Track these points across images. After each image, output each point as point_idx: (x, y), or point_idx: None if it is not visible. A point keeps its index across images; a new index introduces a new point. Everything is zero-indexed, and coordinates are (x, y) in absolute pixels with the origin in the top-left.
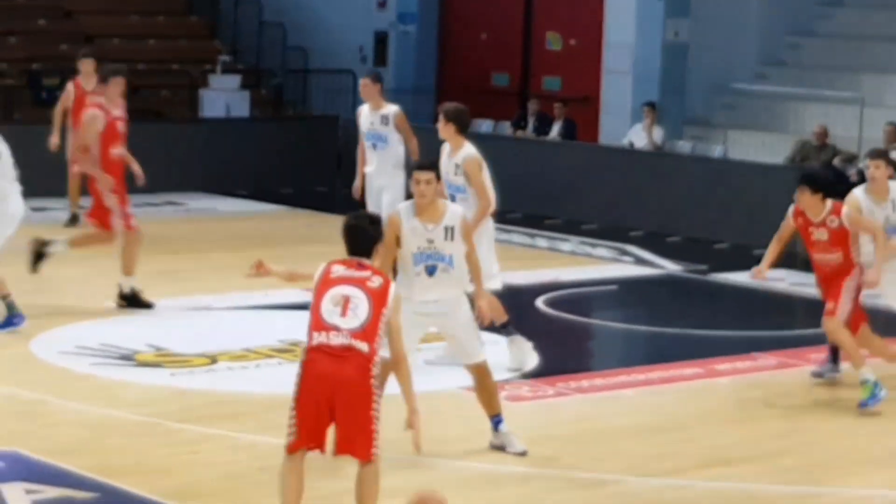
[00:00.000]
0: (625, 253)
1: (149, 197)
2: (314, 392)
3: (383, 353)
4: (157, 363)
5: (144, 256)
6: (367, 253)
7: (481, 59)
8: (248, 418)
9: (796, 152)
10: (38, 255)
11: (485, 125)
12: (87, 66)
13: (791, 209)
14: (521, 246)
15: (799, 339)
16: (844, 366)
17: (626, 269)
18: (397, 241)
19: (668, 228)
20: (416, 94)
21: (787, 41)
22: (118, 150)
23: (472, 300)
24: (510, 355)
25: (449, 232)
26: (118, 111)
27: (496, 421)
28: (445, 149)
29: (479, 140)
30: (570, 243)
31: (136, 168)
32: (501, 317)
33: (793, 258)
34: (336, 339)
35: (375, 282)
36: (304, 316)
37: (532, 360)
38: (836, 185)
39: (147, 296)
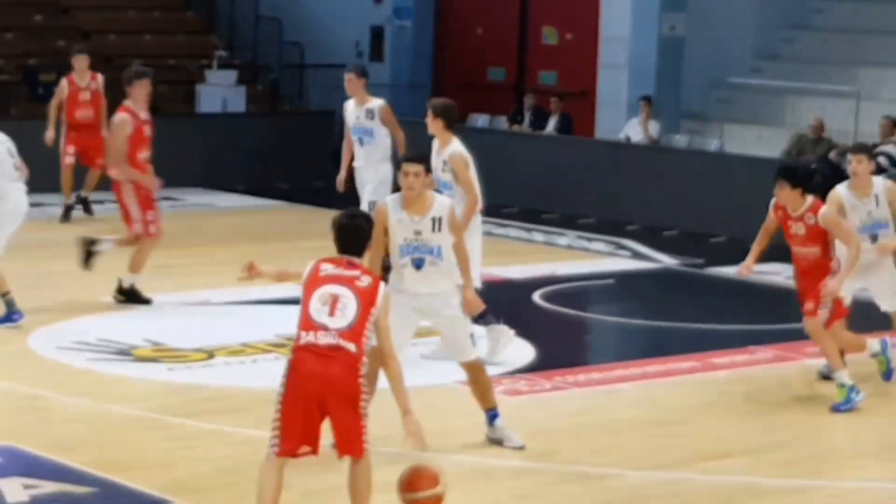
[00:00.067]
0: (621, 247)
1: None
2: (301, 391)
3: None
4: (154, 358)
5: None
6: (358, 252)
7: (477, 53)
8: (245, 413)
9: (792, 146)
10: (88, 253)
11: (481, 120)
12: (80, 62)
13: (772, 202)
14: (518, 240)
15: (796, 333)
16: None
17: (623, 264)
18: (385, 233)
19: (664, 222)
20: (412, 88)
21: (783, 35)
22: (145, 155)
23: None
24: (488, 345)
25: (436, 223)
26: (144, 114)
27: (491, 415)
28: (435, 144)
29: (476, 135)
30: (566, 237)
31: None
32: (480, 307)
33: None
34: (324, 339)
35: (364, 281)
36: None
37: (511, 349)
38: (816, 177)
39: (144, 291)
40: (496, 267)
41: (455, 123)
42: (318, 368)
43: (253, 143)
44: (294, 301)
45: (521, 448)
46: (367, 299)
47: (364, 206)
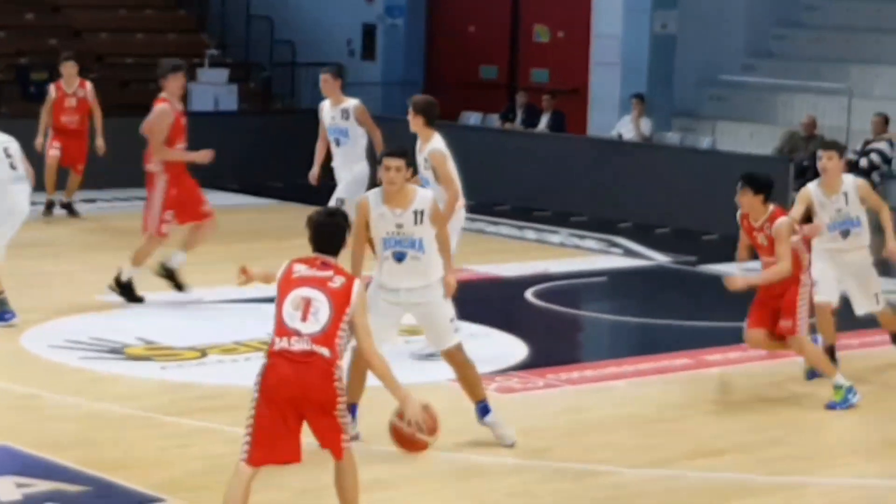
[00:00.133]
0: (613, 244)
1: (138, 191)
2: (275, 397)
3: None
4: (147, 357)
5: (132, 250)
6: (334, 251)
7: (469, 51)
8: (238, 411)
9: (784, 143)
10: (170, 276)
11: (473, 118)
12: (68, 68)
13: (739, 213)
14: (510, 238)
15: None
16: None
17: (615, 261)
18: (367, 227)
19: (656, 220)
20: (405, 87)
21: (775, 32)
22: (182, 145)
23: None
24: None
25: (418, 216)
26: (179, 105)
27: (481, 407)
28: (418, 142)
29: (468, 132)
30: (559, 235)
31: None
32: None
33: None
34: (297, 345)
35: (337, 282)
36: None
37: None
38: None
39: (137, 289)
40: (489, 265)
41: (435, 120)
42: (293, 375)
43: (245, 142)
44: None
45: (511, 446)
46: (339, 301)
47: (332, 203)
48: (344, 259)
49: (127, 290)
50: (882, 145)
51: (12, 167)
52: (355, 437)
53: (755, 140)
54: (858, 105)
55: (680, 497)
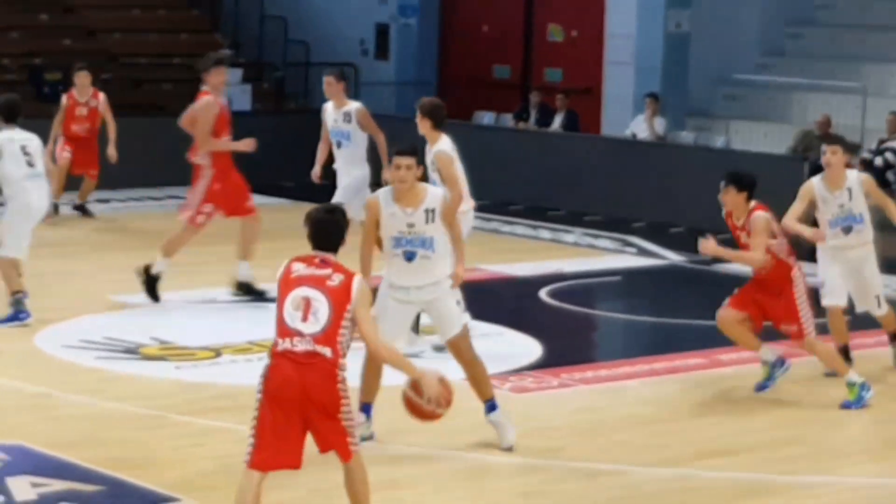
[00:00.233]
0: (628, 244)
1: (151, 191)
2: (279, 398)
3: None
4: (161, 356)
5: (147, 250)
6: (334, 248)
7: (483, 51)
8: (252, 411)
9: (799, 142)
10: (248, 289)
11: (487, 117)
12: (82, 78)
13: (724, 212)
14: (524, 237)
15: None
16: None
17: (630, 260)
18: (377, 227)
19: (670, 219)
20: (418, 86)
21: (789, 31)
22: (228, 137)
23: None
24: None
25: (430, 214)
26: (222, 98)
27: (489, 406)
28: (427, 144)
29: (481, 132)
30: (573, 234)
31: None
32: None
33: (798, 248)
34: (300, 346)
35: (336, 280)
36: None
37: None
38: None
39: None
40: (503, 264)
41: (443, 122)
42: (296, 376)
43: (259, 142)
44: None
45: (508, 449)
46: (339, 299)
47: None
48: (345, 258)
49: (151, 284)
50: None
51: (29, 164)
52: (370, 437)
53: (769, 139)
54: (873, 104)
55: (694, 497)
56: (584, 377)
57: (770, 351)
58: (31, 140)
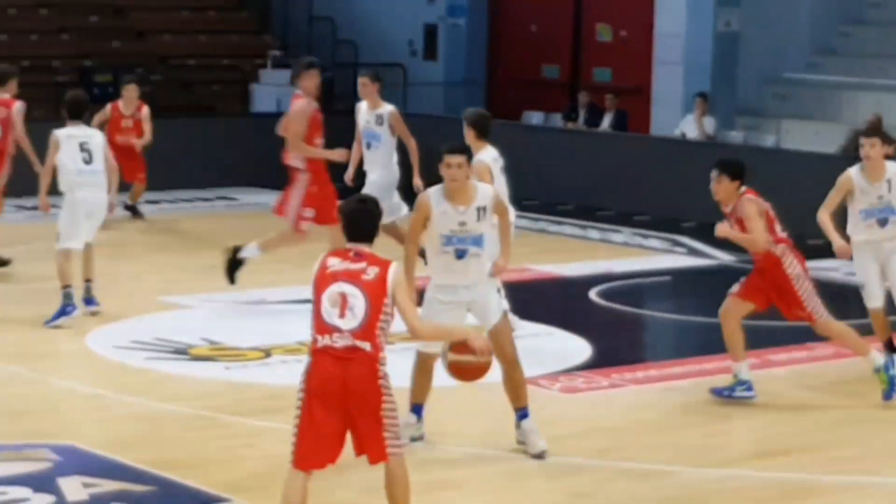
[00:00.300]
0: (677, 244)
1: (200, 192)
2: (321, 394)
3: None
4: (211, 357)
5: (196, 251)
6: (369, 237)
7: (531, 51)
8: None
9: (850, 141)
10: (232, 263)
11: (536, 117)
12: (129, 91)
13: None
14: (573, 238)
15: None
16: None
17: (679, 260)
18: (423, 225)
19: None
20: (467, 86)
21: (839, 29)
22: (320, 141)
23: None
24: None
25: (481, 212)
26: (315, 103)
27: (521, 415)
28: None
29: (530, 132)
30: (622, 234)
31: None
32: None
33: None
34: (340, 341)
35: (371, 273)
36: None
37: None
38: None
39: (199, 290)
40: (552, 264)
41: (486, 133)
42: (337, 371)
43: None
44: None
45: (541, 456)
46: (375, 293)
47: None
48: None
49: (233, 265)
50: None
51: (85, 161)
52: (419, 438)
53: (820, 138)
54: None
55: (745, 497)
56: (635, 377)
57: (745, 369)
58: (93, 137)
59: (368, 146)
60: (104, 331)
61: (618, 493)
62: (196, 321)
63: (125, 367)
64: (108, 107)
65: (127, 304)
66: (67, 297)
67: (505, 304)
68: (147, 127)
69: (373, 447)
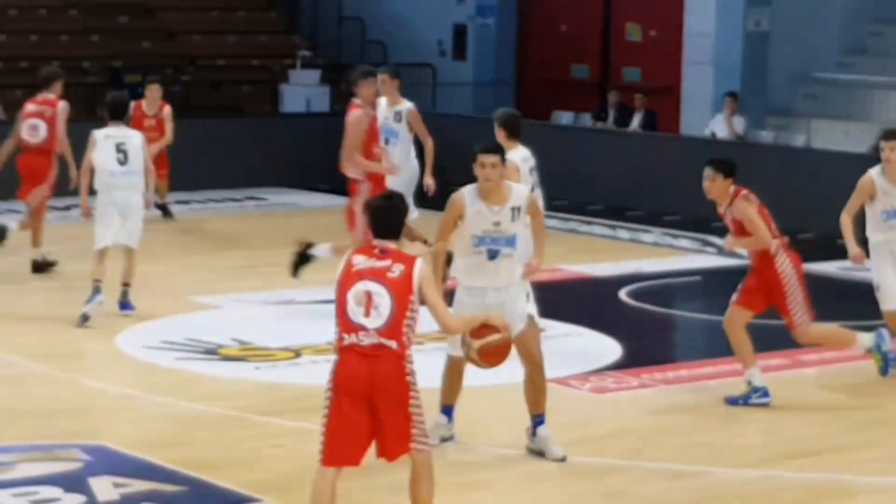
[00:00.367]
0: (707, 244)
1: (230, 192)
2: (349, 390)
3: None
4: (241, 357)
5: (226, 251)
6: (395, 233)
7: (561, 50)
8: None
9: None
10: (301, 257)
11: (565, 117)
12: (153, 92)
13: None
14: (603, 238)
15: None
16: None
17: (710, 260)
18: (455, 224)
19: None
20: (496, 86)
21: (870, 29)
22: (377, 149)
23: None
24: None
25: (516, 212)
26: (371, 110)
27: (537, 421)
28: None
29: (560, 132)
30: (652, 234)
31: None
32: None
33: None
34: (366, 340)
35: (396, 271)
36: None
37: None
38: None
39: (232, 290)
40: (582, 264)
41: (518, 133)
42: (364, 367)
43: (337, 143)
44: None
45: (563, 460)
46: (401, 291)
47: None
48: None
49: (301, 259)
50: None
51: (120, 162)
52: (450, 438)
53: (850, 138)
54: None
55: (776, 498)
56: (665, 377)
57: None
58: (131, 138)
59: (387, 142)
60: (134, 331)
61: (649, 494)
62: (226, 321)
63: (155, 368)
64: (132, 106)
65: (157, 304)
66: (96, 289)
67: (533, 309)
68: (169, 126)
69: (398, 442)
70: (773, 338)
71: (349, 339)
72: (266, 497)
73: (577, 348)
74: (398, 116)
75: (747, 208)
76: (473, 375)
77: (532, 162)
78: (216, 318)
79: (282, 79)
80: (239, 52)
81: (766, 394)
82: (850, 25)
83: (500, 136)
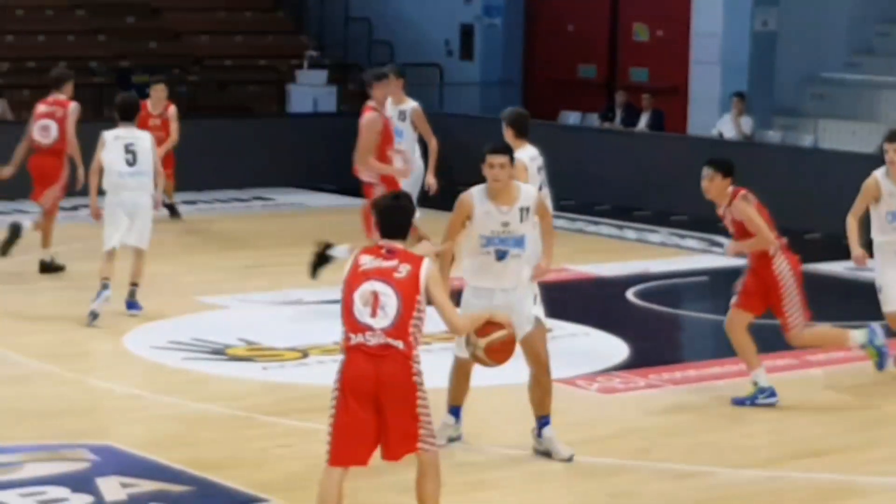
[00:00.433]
0: (714, 244)
1: (237, 192)
2: (356, 391)
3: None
4: (248, 357)
5: (233, 251)
6: (403, 232)
7: (568, 50)
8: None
9: None
10: (320, 258)
11: (572, 117)
12: (157, 91)
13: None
14: (610, 238)
15: (891, 330)
16: None
17: (716, 260)
18: (463, 224)
19: None
20: (503, 86)
21: (877, 29)
22: (391, 151)
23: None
24: None
25: (524, 213)
26: (385, 112)
27: (542, 423)
28: None
29: (567, 132)
30: (659, 234)
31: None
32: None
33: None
34: (373, 340)
35: (402, 271)
36: None
37: None
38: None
39: (238, 289)
40: (589, 264)
41: (526, 132)
42: (370, 367)
43: (344, 143)
44: None
45: (569, 459)
46: (407, 291)
47: None
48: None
49: (320, 260)
50: None
51: (129, 163)
52: (457, 439)
53: (858, 138)
54: None
55: (783, 498)
56: (672, 377)
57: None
58: (140, 140)
59: None
60: (141, 331)
61: (656, 494)
62: (233, 321)
63: (162, 368)
64: None
65: (164, 304)
66: (104, 286)
67: (540, 310)
68: (174, 126)
69: (405, 441)
70: (780, 337)
71: (356, 339)
72: (273, 497)
73: (585, 348)
74: (402, 115)
75: (746, 208)
76: (480, 376)
77: (540, 161)
78: (223, 318)
79: (289, 79)
80: (246, 53)
81: (772, 394)
82: (858, 26)
83: (509, 135)
